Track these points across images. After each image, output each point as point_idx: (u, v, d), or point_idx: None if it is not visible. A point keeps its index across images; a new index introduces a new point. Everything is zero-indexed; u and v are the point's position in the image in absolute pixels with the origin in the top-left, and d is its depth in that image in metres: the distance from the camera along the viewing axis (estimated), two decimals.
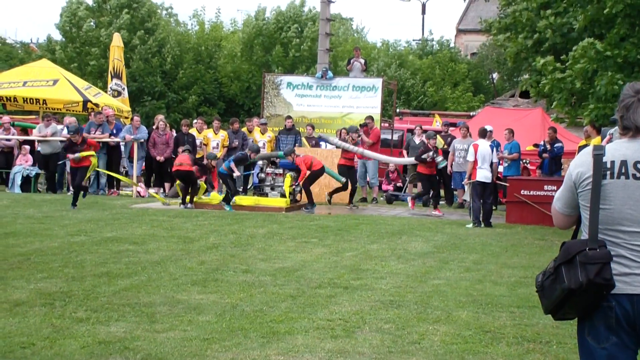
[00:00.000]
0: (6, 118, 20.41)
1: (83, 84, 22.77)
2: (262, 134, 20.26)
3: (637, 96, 3.40)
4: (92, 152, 15.18)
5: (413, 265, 9.71)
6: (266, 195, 17.12)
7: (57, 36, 38.15)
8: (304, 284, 8.21)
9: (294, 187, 16.75)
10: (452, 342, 6.10)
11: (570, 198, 3.53)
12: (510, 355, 5.84)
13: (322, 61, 26.28)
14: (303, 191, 16.71)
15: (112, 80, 24.41)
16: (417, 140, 20.38)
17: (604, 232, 3.35)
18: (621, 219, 3.33)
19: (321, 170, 16.75)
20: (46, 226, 12.14)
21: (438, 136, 20.01)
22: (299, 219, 14.46)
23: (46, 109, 21.28)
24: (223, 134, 19.68)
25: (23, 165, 19.42)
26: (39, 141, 19.71)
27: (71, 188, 16.71)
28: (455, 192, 19.18)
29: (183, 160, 16.25)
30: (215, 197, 16.71)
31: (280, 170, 17.28)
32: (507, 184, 16.37)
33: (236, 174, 16.07)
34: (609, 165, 3.36)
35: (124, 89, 24.53)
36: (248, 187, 19.26)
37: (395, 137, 24.05)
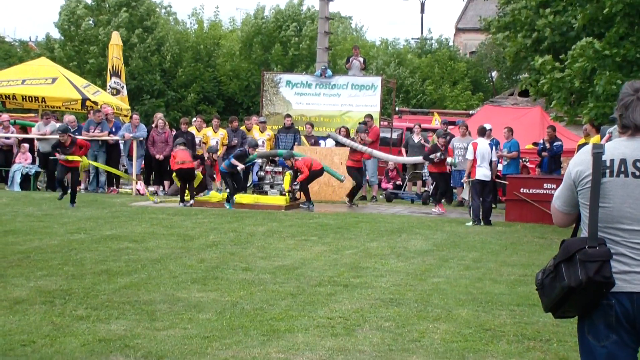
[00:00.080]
0: (5, 116, 20.41)
1: (82, 82, 22.77)
2: (261, 132, 20.25)
3: (636, 95, 3.41)
4: (78, 158, 15.05)
5: (413, 263, 9.72)
6: (266, 193, 17.13)
7: (56, 35, 38.15)
8: (304, 282, 8.22)
9: (294, 185, 16.73)
10: (452, 340, 6.12)
11: (570, 196, 3.54)
12: (510, 353, 5.85)
13: (321, 60, 26.26)
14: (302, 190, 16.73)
15: (111, 78, 24.40)
16: (415, 138, 20.40)
17: (603, 230, 3.36)
18: (620, 217, 3.34)
19: (321, 171, 16.78)
20: (46, 224, 12.14)
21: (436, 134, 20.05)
22: (299, 217, 14.47)
23: (45, 107, 21.28)
24: (222, 132, 19.69)
25: (22, 163, 19.42)
26: (38, 139, 19.71)
27: (69, 187, 16.69)
28: (454, 191, 19.19)
29: (185, 158, 16.22)
30: (215, 195, 16.72)
31: (280, 169, 17.29)
32: (507, 182, 16.38)
33: (240, 167, 16.02)
34: (608, 164, 3.37)
35: (123, 87, 24.53)
36: (247, 185, 19.27)
37: (394, 135, 24.04)
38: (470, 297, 7.74)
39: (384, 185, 21.31)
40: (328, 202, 18.07)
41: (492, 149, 15.20)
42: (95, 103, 20.83)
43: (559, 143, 17.80)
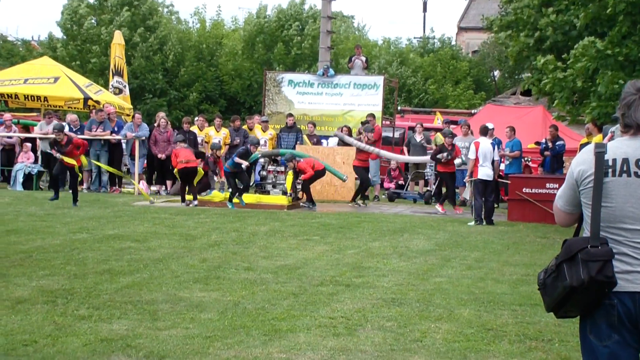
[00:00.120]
0: (7, 115, 20.43)
1: (84, 82, 22.78)
2: (264, 131, 20.26)
3: (639, 94, 3.40)
4: (73, 162, 15.03)
5: (415, 263, 9.72)
6: (268, 193, 17.13)
7: (59, 34, 38.14)
8: (306, 282, 8.22)
9: (298, 183, 16.65)
10: (454, 340, 6.11)
11: (572, 196, 3.53)
12: (512, 353, 5.84)
13: (324, 59, 26.27)
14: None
15: (113, 77, 24.41)
16: (418, 138, 20.39)
17: (605, 229, 3.35)
18: (623, 217, 3.33)
19: (323, 171, 16.78)
20: (48, 224, 12.15)
21: (439, 134, 20.05)
22: (301, 217, 14.47)
23: (47, 106, 21.30)
24: (224, 131, 19.69)
25: (25, 162, 19.44)
26: (40, 139, 19.72)
27: (63, 187, 16.72)
28: (457, 190, 19.18)
29: (189, 157, 16.20)
30: (217, 195, 16.72)
31: (282, 168, 17.29)
32: (509, 182, 16.37)
33: (245, 164, 16.00)
34: (610, 163, 3.36)
35: (125, 86, 24.54)
36: (250, 184, 19.26)
37: (397, 134, 24.04)
38: (472, 296, 7.73)
39: (386, 184, 21.32)
40: (330, 202, 18.07)
41: (494, 149, 15.19)
42: (98, 102, 20.84)
43: (562, 142, 17.78)
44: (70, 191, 15.32)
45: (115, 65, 24.39)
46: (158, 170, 19.72)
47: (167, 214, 14.02)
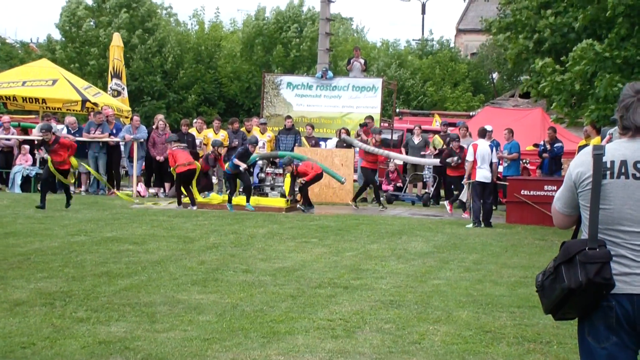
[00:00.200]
0: (6, 118, 20.43)
1: (82, 84, 22.76)
2: (262, 133, 20.25)
3: (637, 96, 3.40)
4: (60, 176, 14.96)
5: (413, 265, 9.72)
6: (266, 195, 17.12)
7: (57, 36, 38.14)
8: (304, 284, 8.22)
9: (301, 182, 16.54)
10: (452, 342, 6.11)
11: (570, 198, 3.53)
12: (510, 356, 5.84)
13: (322, 61, 26.29)
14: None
15: (112, 80, 24.41)
16: (416, 140, 20.39)
17: (604, 231, 3.36)
18: (621, 219, 3.34)
19: (321, 174, 16.76)
20: (46, 226, 12.14)
21: (437, 136, 20.06)
22: (299, 219, 14.47)
23: (46, 108, 21.30)
24: (223, 133, 19.69)
25: (23, 165, 19.42)
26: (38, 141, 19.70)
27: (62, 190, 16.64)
28: (455, 192, 19.17)
29: (189, 159, 16.16)
30: (215, 197, 16.71)
31: (281, 170, 17.28)
32: (507, 183, 16.37)
33: (243, 166, 15.98)
34: (608, 165, 3.36)
35: (123, 88, 24.53)
36: (252, 185, 19.23)
37: (395, 136, 24.04)
38: (471, 299, 7.73)
39: (384, 187, 21.32)
40: (329, 204, 18.07)
41: (492, 151, 15.19)
42: (96, 104, 20.83)
43: (560, 144, 17.80)
44: (65, 195, 15.22)
45: (113, 68, 24.38)
46: (156, 173, 19.71)
47: (165, 217, 14.01)
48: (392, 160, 20.43)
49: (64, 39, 37.11)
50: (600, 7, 14.29)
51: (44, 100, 21.02)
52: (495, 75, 44.69)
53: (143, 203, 16.86)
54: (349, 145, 19.43)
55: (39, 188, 14.78)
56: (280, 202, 16.41)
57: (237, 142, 19.20)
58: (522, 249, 11.71)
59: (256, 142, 17.33)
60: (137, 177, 19.20)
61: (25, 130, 21.43)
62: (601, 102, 14.02)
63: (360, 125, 20.07)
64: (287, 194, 16.92)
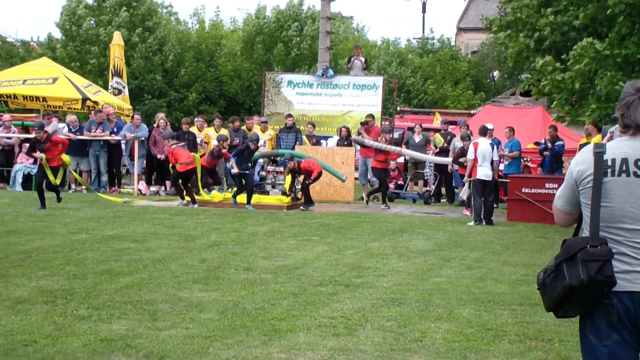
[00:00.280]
0: (7, 116, 20.43)
1: (83, 82, 22.76)
2: (263, 132, 20.26)
3: (638, 94, 3.41)
4: (51, 173, 14.88)
5: (414, 263, 9.72)
6: (267, 193, 17.13)
7: (58, 34, 38.11)
8: (306, 282, 8.23)
9: (309, 182, 16.51)
10: (454, 339, 6.11)
11: (572, 196, 3.54)
12: (512, 353, 5.85)
13: (323, 59, 26.27)
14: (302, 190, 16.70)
15: (112, 78, 24.41)
16: (417, 138, 20.39)
17: (605, 229, 3.36)
18: (622, 217, 3.34)
19: (320, 173, 16.75)
20: (47, 224, 12.15)
21: (437, 134, 20.06)
22: (300, 217, 14.47)
23: (47, 106, 21.30)
24: (224, 132, 19.68)
25: (24, 163, 19.43)
26: None
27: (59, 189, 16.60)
28: (456, 190, 19.19)
29: (190, 158, 16.15)
30: (217, 195, 16.72)
31: (281, 169, 17.29)
32: (508, 180, 16.38)
33: (234, 170, 15.97)
34: (609, 163, 3.37)
35: (124, 87, 24.53)
36: (254, 187, 19.24)
37: (396, 135, 24.03)
38: (472, 296, 7.74)
39: None
40: (330, 202, 18.07)
41: (493, 149, 15.19)
42: (96, 103, 20.83)
43: (561, 143, 17.79)
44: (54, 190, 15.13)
45: (114, 66, 24.38)
46: (157, 171, 19.72)
47: (167, 215, 14.02)
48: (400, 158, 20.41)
49: (64, 37, 37.08)
50: (601, 5, 14.29)
51: (44, 99, 21.02)
52: (495, 73, 44.67)
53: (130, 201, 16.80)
54: (351, 144, 19.44)
55: (37, 192, 14.68)
56: (281, 200, 16.41)
57: (237, 141, 19.21)
58: (523, 246, 11.72)
59: (257, 140, 17.34)
60: (138, 175, 19.21)
61: (26, 129, 21.43)
62: (602, 101, 14.02)
63: (361, 123, 20.06)
64: (287, 191, 16.91)
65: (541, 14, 16.35)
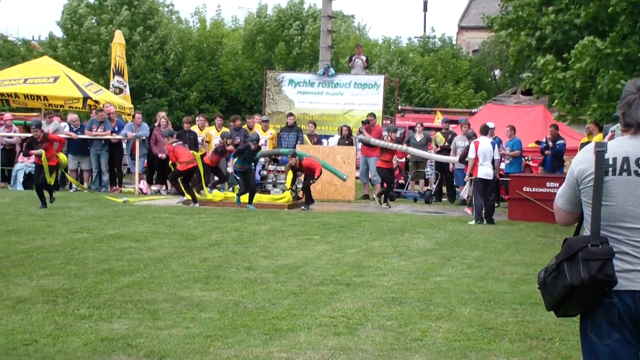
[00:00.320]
0: (8, 115, 20.43)
1: (84, 81, 22.77)
2: (264, 131, 20.26)
3: (639, 93, 3.40)
4: (49, 172, 14.85)
5: (415, 262, 9.72)
6: (268, 192, 17.12)
7: (59, 33, 38.12)
8: (306, 281, 8.22)
9: (312, 182, 16.50)
10: (454, 339, 6.11)
11: (573, 195, 3.53)
12: (512, 352, 5.84)
13: (324, 58, 26.28)
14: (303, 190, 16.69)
15: (114, 77, 24.41)
16: (418, 137, 20.38)
17: (606, 228, 3.35)
18: (623, 216, 3.33)
19: (321, 171, 16.74)
20: (48, 223, 12.15)
21: (439, 133, 20.05)
22: (301, 216, 14.47)
23: (48, 105, 21.30)
24: (225, 131, 19.68)
25: (25, 162, 19.42)
26: None
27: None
28: (457, 189, 19.19)
29: (191, 157, 16.14)
30: (217, 194, 16.71)
31: (282, 168, 17.28)
32: (509, 179, 16.37)
33: (229, 170, 15.95)
34: (611, 162, 3.36)
35: (125, 86, 24.53)
36: (256, 187, 19.24)
37: (397, 134, 24.00)
38: (473, 295, 7.73)
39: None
40: (331, 201, 18.07)
41: (494, 148, 15.19)
42: (97, 102, 20.83)
43: (562, 142, 17.79)
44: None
45: (115, 65, 24.37)
46: (158, 170, 19.72)
47: (168, 214, 14.02)
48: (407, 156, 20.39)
49: (65, 36, 37.10)
50: (602, 4, 14.27)
51: (45, 98, 21.03)
52: (497, 72, 44.66)
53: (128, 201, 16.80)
54: (352, 142, 19.43)
55: (36, 192, 14.65)
56: (283, 199, 16.40)
57: (239, 140, 19.21)
58: (524, 246, 11.71)
59: (257, 140, 17.33)
60: (139, 174, 19.21)
61: (27, 128, 21.43)
62: (603, 100, 14.01)
63: (362, 122, 20.05)
64: (288, 189, 16.88)
65: (542, 13, 16.34)
